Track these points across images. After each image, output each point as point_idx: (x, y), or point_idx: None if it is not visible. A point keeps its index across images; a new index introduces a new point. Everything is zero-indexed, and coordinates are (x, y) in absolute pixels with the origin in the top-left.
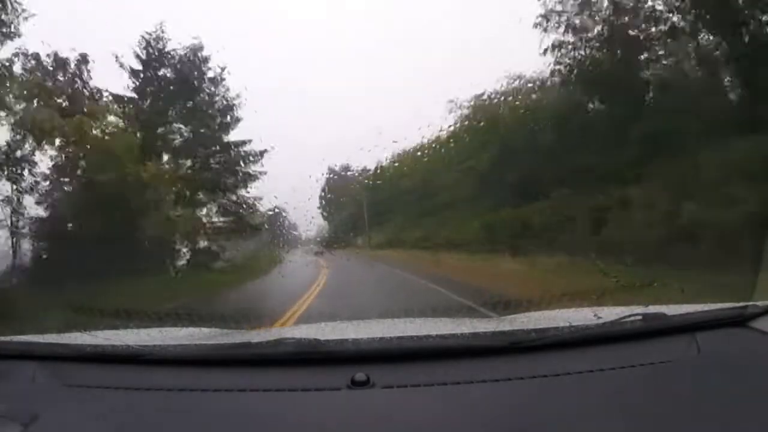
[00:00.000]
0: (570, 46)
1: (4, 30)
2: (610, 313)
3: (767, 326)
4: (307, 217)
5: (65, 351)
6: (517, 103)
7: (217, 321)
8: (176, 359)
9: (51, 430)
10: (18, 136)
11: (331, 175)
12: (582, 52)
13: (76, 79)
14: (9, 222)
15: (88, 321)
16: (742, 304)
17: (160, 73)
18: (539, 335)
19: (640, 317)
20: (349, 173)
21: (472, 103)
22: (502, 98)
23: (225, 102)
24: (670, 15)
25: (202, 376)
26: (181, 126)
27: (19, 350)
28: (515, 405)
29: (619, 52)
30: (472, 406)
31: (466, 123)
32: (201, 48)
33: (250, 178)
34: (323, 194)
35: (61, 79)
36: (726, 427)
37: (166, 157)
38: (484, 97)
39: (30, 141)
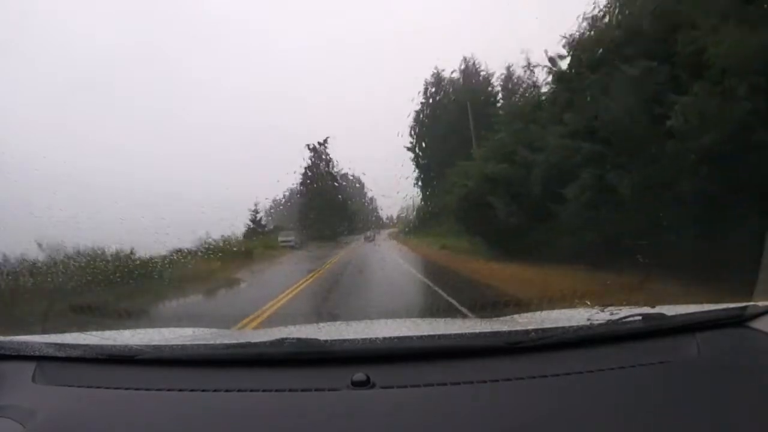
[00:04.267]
0: None
1: None
2: (610, 313)
3: (767, 326)
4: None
5: (65, 351)
6: None
7: (217, 321)
8: (176, 359)
9: (50, 430)
10: None
11: (433, 92)
12: None
13: None
14: None
15: (88, 321)
16: (742, 304)
17: None
18: (539, 335)
19: (640, 317)
20: (479, 73)
21: None
22: None
23: None
24: None
25: (202, 375)
26: None
27: (19, 350)
28: (515, 405)
29: None
30: (472, 407)
31: None
32: None
33: None
34: (417, 130)
35: None
36: (726, 427)
37: None
38: None
39: None
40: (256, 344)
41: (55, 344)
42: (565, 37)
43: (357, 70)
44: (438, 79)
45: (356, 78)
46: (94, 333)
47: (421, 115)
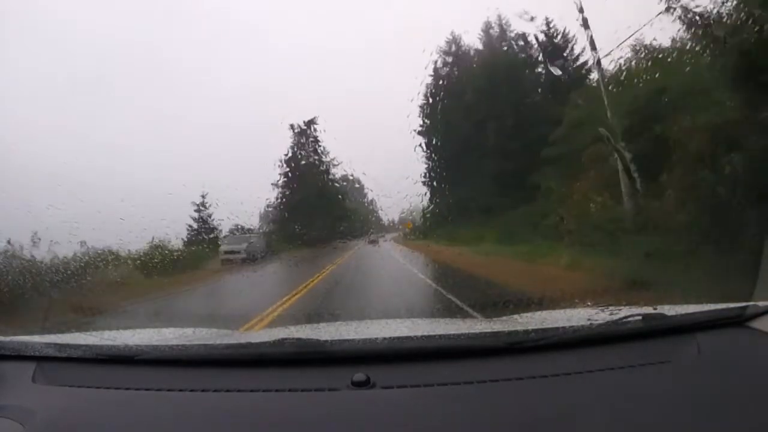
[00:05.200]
0: None
1: None
2: (610, 313)
3: (767, 326)
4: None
5: (65, 351)
6: None
7: (217, 321)
8: (176, 359)
9: (50, 430)
10: None
11: (450, 63)
12: None
13: None
14: None
15: (88, 321)
16: (742, 304)
17: None
18: (539, 335)
19: (640, 317)
20: (506, 37)
21: None
22: None
23: None
24: None
25: (202, 376)
26: None
27: (19, 350)
28: (515, 405)
29: None
30: (472, 407)
31: None
32: None
33: None
34: (430, 102)
35: None
36: (726, 427)
37: None
38: None
39: None
40: (256, 344)
41: (55, 344)
42: None
43: (357, 69)
44: (456, 46)
45: (356, 77)
46: (94, 333)
47: (433, 92)
